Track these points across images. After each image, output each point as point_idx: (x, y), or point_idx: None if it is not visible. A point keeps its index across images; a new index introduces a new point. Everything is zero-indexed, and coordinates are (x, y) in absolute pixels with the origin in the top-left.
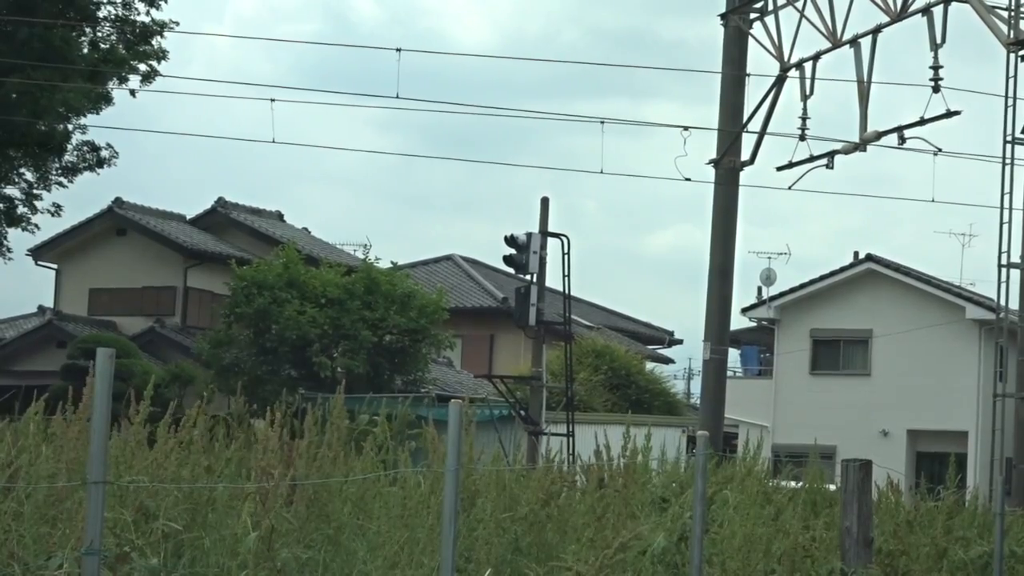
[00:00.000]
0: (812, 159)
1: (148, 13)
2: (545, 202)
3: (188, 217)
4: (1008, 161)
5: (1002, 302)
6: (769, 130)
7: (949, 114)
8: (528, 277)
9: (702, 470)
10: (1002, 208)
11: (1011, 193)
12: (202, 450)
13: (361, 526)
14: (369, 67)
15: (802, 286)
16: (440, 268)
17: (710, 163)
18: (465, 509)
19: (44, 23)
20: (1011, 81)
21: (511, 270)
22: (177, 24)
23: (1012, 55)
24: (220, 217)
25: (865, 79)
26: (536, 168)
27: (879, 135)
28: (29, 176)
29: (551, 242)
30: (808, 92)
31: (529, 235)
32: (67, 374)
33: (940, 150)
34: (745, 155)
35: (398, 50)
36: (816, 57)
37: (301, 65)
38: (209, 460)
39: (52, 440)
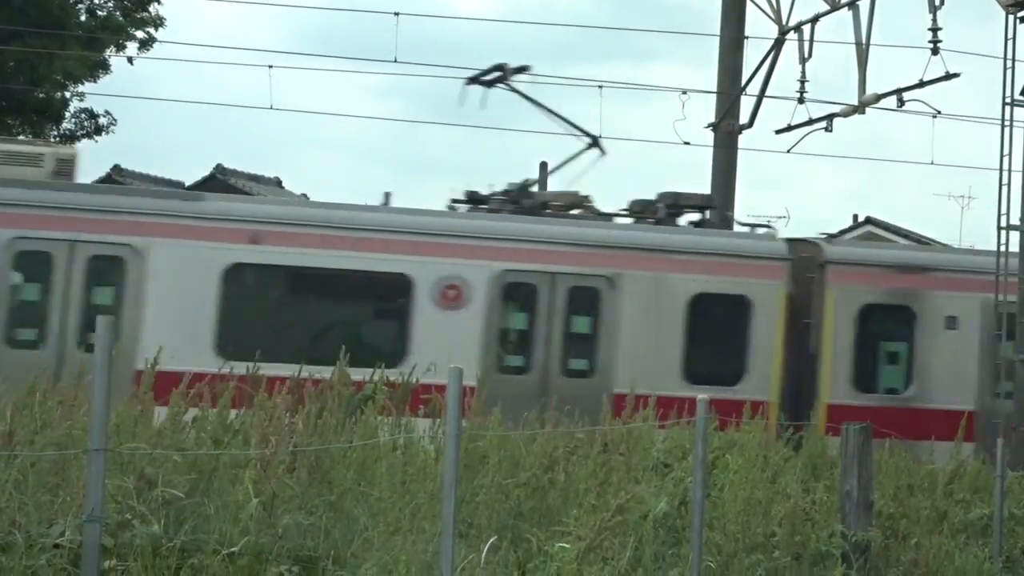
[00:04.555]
0: (811, 122)
1: None
2: (544, 166)
3: (187, 184)
4: (1007, 123)
5: (1001, 264)
6: (768, 93)
7: (948, 76)
8: None
9: (702, 436)
10: (1001, 170)
11: (1010, 155)
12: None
13: (363, 492)
14: (367, 32)
15: None
16: None
17: (709, 127)
18: (467, 475)
19: None
20: (1010, 43)
21: None
22: None
23: (1011, 17)
24: (219, 183)
25: (864, 41)
26: (535, 133)
27: (878, 97)
28: None
29: None
30: (807, 55)
31: None
32: None
33: (939, 112)
34: (744, 118)
35: (396, 14)
36: (815, 20)
37: (299, 32)
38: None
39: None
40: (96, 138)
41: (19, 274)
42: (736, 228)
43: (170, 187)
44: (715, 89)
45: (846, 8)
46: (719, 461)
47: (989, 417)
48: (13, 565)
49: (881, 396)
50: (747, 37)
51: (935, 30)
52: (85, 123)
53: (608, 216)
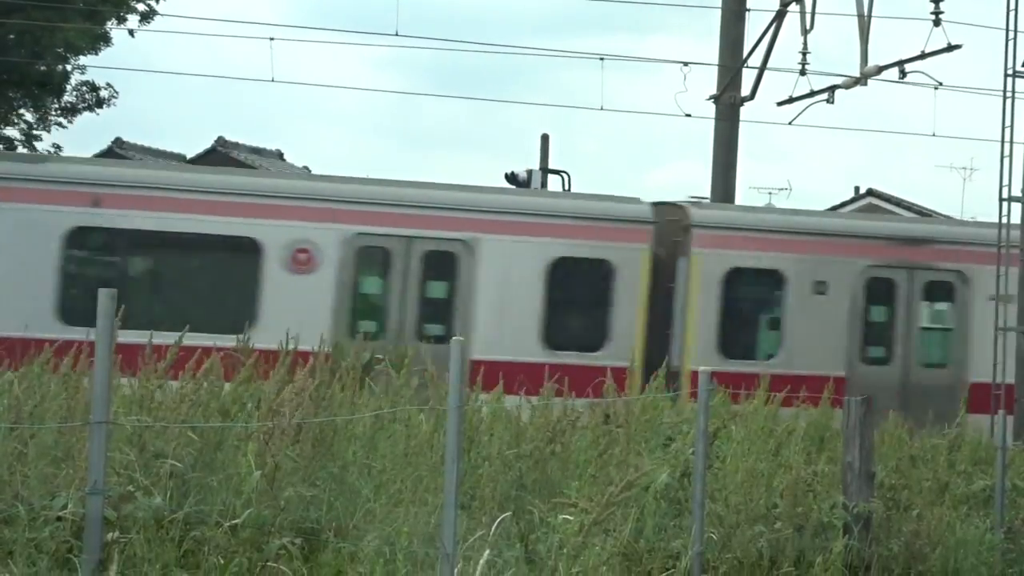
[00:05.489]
0: (813, 94)
1: None
2: (545, 139)
3: (188, 156)
4: (1009, 95)
5: (1003, 236)
6: (769, 65)
7: (950, 48)
8: None
9: (704, 406)
10: (1003, 142)
11: (1012, 127)
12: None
13: (366, 464)
14: (368, 5)
15: None
16: None
17: (710, 99)
18: (469, 447)
19: None
20: (1012, 14)
21: None
22: None
23: None
24: (220, 156)
25: (865, 13)
26: (536, 105)
27: (880, 69)
28: (29, 117)
29: (552, 179)
30: (808, 26)
31: (530, 172)
32: None
33: (941, 84)
34: (746, 91)
35: None
36: None
37: (300, 4)
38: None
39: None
40: (97, 111)
41: None
42: None
43: (173, 159)
44: (716, 61)
45: None
46: (721, 432)
47: None
48: (16, 537)
49: None
50: (748, 9)
51: (937, 1)
52: (86, 96)
53: None
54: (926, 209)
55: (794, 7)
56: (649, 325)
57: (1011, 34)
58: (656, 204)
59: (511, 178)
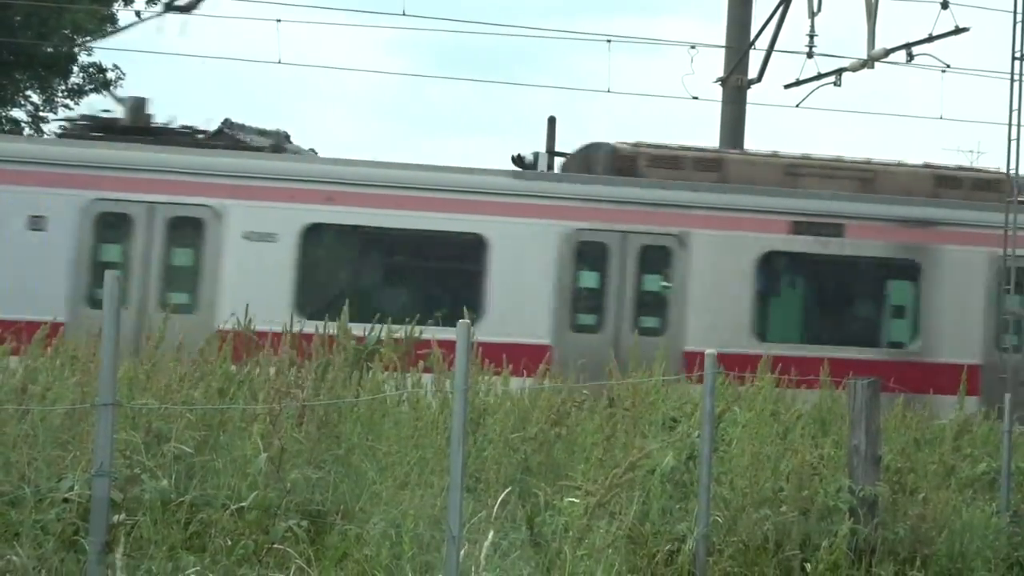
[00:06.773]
0: (820, 77)
1: None
2: (552, 121)
3: None
4: (1016, 78)
5: (1010, 219)
6: (777, 48)
7: (958, 30)
8: None
9: (710, 389)
10: (1010, 125)
11: (1019, 110)
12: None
13: (371, 447)
14: None
15: None
16: None
17: (718, 81)
18: (474, 429)
19: None
20: None
21: None
22: None
23: None
24: (226, 138)
25: None
26: (543, 87)
27: (887, 52)
28: (35, 98)
29: (558, 161)
30: (816, 9)
31: (536, 154)
32: None
33: (948, 67)
34: (753, 73)
35: None
36: None
37: None
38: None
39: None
40: (104, 92)
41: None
42: None
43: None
44: (724, 43)
45: None
46: (727, 415)
47: None
48: (23, 519)
49: None
50: None
51: None
52: (93, 77)
53: None
54: None
55: None
56: None
57: (1019, 17)
58: None
59: (518, 161)
